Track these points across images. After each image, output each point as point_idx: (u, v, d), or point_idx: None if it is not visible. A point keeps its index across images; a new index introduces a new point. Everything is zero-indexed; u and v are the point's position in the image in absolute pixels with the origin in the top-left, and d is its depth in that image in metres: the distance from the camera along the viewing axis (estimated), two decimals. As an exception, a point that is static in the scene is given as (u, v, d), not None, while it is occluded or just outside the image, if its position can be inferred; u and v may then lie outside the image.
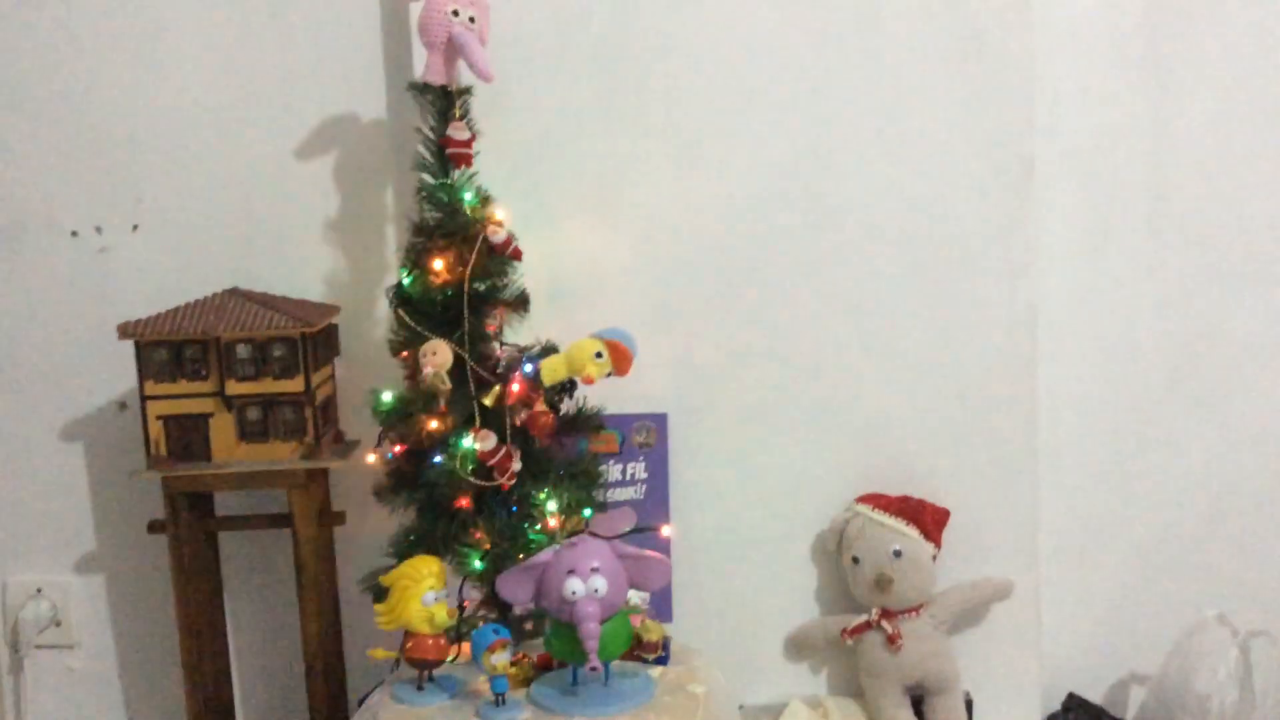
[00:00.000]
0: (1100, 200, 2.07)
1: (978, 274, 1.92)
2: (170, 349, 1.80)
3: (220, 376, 1.80)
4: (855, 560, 1.88)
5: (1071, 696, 2.07)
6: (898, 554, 1.86)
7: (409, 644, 1.61)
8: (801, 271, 1.92)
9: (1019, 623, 1.96)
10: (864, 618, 1.88)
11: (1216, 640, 1.96)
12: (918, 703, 1.90)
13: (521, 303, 1.76)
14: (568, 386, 1.74)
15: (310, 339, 1.81)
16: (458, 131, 1.71)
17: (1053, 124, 2.01)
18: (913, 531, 1.87)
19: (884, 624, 1.87)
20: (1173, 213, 2.08)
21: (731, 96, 1.90)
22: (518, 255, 1.73)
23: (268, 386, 1.80)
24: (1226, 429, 2.11)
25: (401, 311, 1.72)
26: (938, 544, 1.89)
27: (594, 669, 1.51)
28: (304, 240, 2.00)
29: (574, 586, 1.51)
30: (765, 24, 1.88)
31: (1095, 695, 2.11)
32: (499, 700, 1.55)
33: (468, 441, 1.65)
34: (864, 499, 1.92)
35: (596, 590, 1.51)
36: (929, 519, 1.89)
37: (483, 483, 1.67)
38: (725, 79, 1.89)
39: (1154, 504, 2.12)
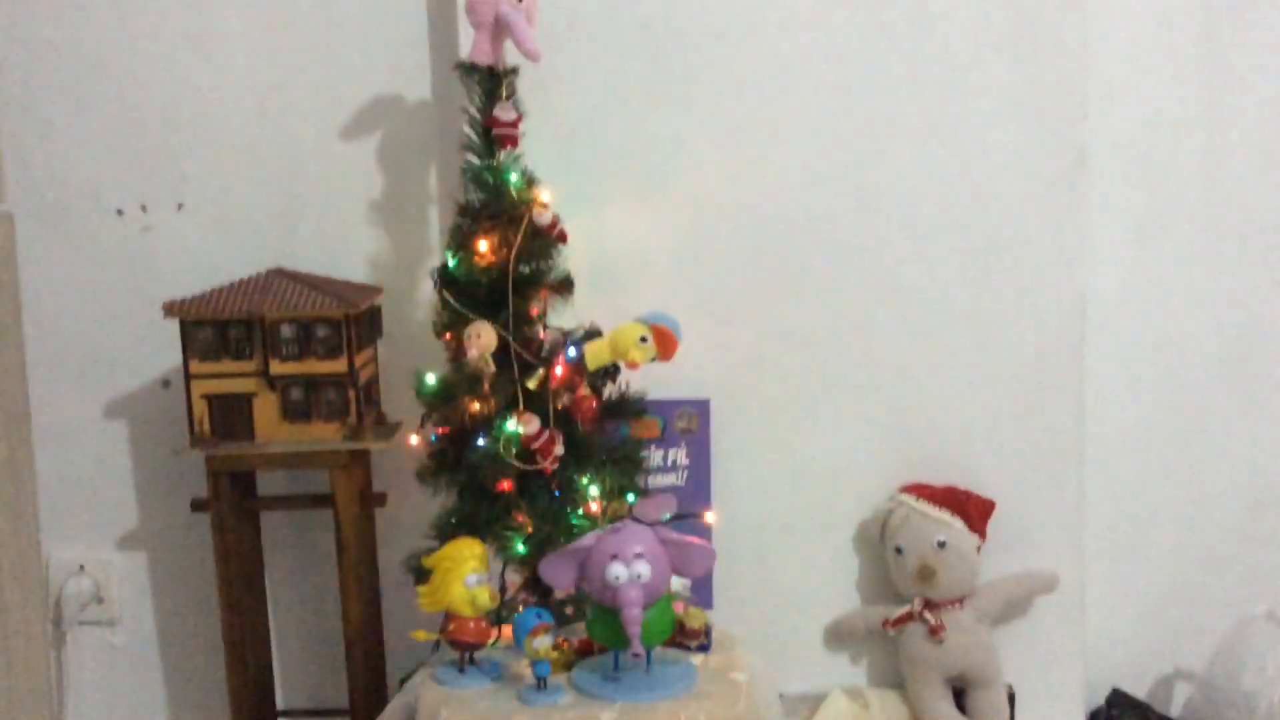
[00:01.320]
0: (1152, 190, 2.04)
1: (1027, 263, 1.89)
2: (215, 328, 1.80)
3: (264, 356, 1.80)
4: (898, 550, 1.86)
5: (1116, 692, 2.05)
6: (942, 545, 1.84)
7: (451, 626, 1.61)
8: (848, 258, 1.90)
9: (1063, 616, 1.94)
10: (906, 608, 1.87)
11: (1265, 636, 1.94)
12: (959, 695, 1.89)
13: (565, 286, 1.75)
14: (611, 371, 1.73)
15: (354, 320, 1.80)
16: (504, 112, 1.70)
17: (1105, 112, 1.98)
18: (957, 522, 1.85)
19: (926, 615, 1.85)
20: (1225, 203, 2.04)
21: (779, 79, 1.88)
22: (563, 237, 1.72)
23: (311, 367, 1.80)
24: (1277, 422, 2.07)
25: (446, 293, 1.71)
26: (982, 535, 1.87)
27: (636, 655, 1.50)
28: (348, 221, 2.00)
29: (617, 572, 1.50)
30: (814, 6, 1.86)
31: (1140, 691, 2.09)
32: (541, 684, 1.55)
33: (511, 425, 1.65)
34: (908, 488, 1.90)
35: (640, 576, 1.50)
36: (974, 510, 1.86)
37: (526, 466, 1.66)
38: (773, 62, 1.87)
39: (1202, 497, 2.09)
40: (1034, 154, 1.88)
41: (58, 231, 2.03)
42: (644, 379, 1.75)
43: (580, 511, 1.68)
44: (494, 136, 1.71)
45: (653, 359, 1.66)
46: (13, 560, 1.35)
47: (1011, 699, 1.90)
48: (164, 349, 1.98)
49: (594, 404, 1.70)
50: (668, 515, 1.58)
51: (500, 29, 1.67)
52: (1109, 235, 2.02)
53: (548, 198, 1.72)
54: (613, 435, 1.75)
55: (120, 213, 2.03)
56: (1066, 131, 1.87)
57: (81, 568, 2.10)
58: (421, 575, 1.64)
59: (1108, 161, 2.00)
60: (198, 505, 1.89)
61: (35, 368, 2.06)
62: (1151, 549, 2.10)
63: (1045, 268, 1.90)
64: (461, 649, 1.62)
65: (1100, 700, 2.04)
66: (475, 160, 1.72)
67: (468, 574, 1.59)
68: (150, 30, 1.99)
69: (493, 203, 1.70)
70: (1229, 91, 2.02)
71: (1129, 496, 2.08)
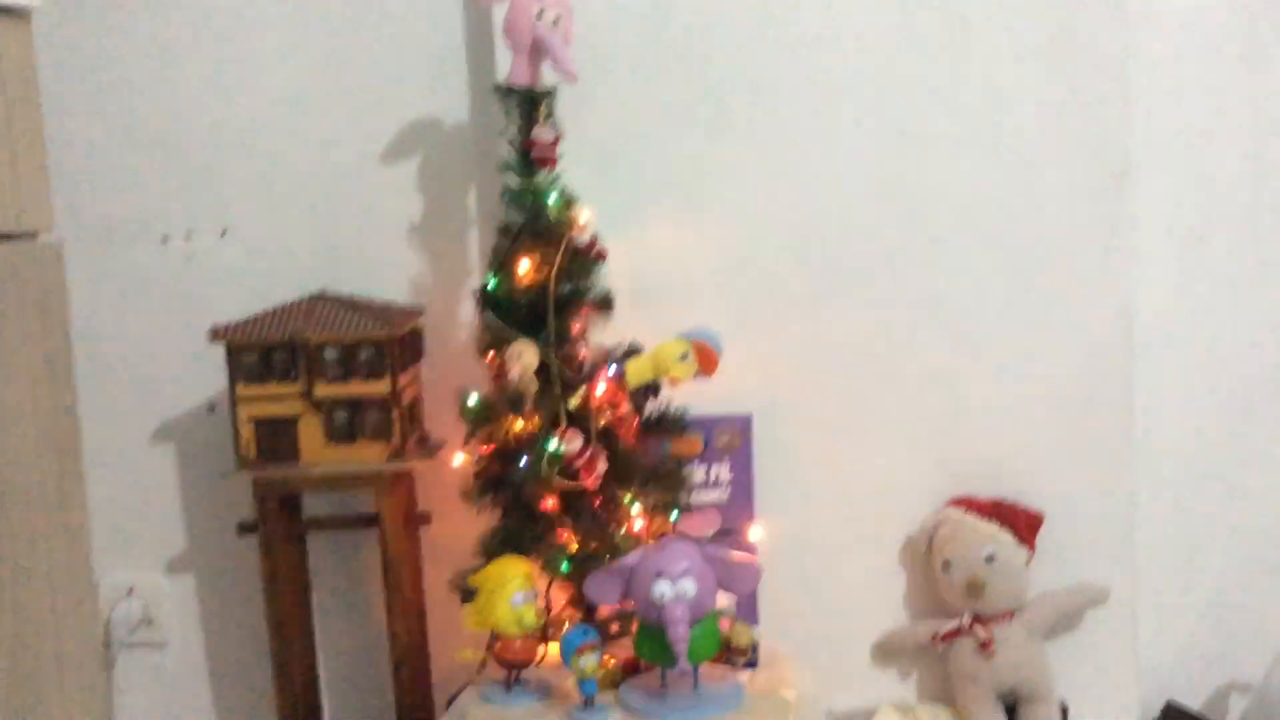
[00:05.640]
0: (1198, 199, 2.01)
1: (1072, 272, 1.87)
2: (260, 352, 1.82)
3: (309, 379, 1.81)
4: (946, 565, 1.84)
5: (1170, 705, 2.01)
6: (990, 558, 1.82)
7: (497, 645, 1.61)
8: (890, 271, 1.89)
9: (1115, 629, 1.91)
10: (955, 623, 1.85)
11: (1323, 649, 1.91)
12: (1011, 710, 1.86)
13: (606, 304, 1.75)
14: (653, 388, 1.73)
15: (396, 342, 1.82)
16: (543, 133, 1.71)
17: (1147, 121, 1.96)
18: (1006, 535, 1.83)
19: (976, 630, 1.83)
20: (1272, 210, 2.01)
21: (818, 94, 1.87)
22: (602, 256, 1.72)
23: (355, 389, 1.81)
24: (1331, 430, 2.04)
25: (487, 313, 1.72)
26: (1032, 548, 1.85)
27: (683, 672, 1.50)
28: (389, 244, 2.01)
29: (662, 589, 1.50)
30: (852, 20, 1.86)
31: (1194, 704, 2.05)
32: (588, 702, 1.54)
33: (554, 443, 1.65)
34: (955, 502, 1.88)
35: (685, 593, 1.50)
36: (1022, 523, 1.84)
37: (569, 484, 1.66)
38: (811, 76, 1.87)
39: (1256, 506, 2.05)
40: (1077, 164, 1.86)
41: (104, 259, 2.06)
42: (685, 395, 1.75)
43: (624, 529, 1.67)
44: (533, 157, 1.71)
45: (695, 375, 1.66)
46: (67, 585, 1.36)
47: (1064, 714, 1.87)
48: (209, 374, 2.01)
49: (636, 421, 1.70)
50: (712, 532, 1.58)
51: (537, 51, 1.68)
52: (1155, 244, 2.00)
53: (587, 217, 1.72)
54: (655, 452, 1.75)
55: (165, 240, 2.06)
56: (1109, 140, 1.85)
57: (131, 590, 2.13)
58: (467, 594, 1.65)
59: (1152, 170, 1.97)
60: (245, 528, 1.90)
61: (83, 394, 2.07)
62: (1204, 560, 2.07)
63: (1090, 278, 1.87)
64: (508, 668, 1.62)
65: (1155, 714, 2.01)
66: (514, 181, 1.73)
67: (514, 593, 1.60)
68: (191, 58, 2.02)
69: (532, 223, 1.70)
70: (1274, 97, 1.99)
71: (1181, 507, 2.05)
